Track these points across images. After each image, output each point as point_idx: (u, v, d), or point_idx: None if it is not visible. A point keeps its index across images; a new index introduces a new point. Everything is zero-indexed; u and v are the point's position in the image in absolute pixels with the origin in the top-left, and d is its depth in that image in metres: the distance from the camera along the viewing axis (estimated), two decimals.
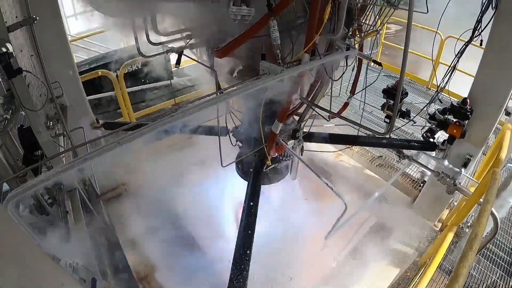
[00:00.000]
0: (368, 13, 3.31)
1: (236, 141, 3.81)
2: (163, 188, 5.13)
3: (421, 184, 5.55)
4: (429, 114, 4.02)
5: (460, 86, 4.66)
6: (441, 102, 4.16)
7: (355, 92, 3.96)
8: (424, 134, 4.17)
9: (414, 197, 5.40)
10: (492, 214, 3.24)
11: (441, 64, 7.82)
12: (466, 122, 3.78)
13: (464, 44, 3.72)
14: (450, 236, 3.83)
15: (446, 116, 3.86)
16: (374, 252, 4.67)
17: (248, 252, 2.89)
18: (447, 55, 7.39)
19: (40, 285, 1.45)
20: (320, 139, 4.17)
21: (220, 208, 5.18)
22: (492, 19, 3.43)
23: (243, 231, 3.05)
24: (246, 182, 3.69)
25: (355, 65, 3.68)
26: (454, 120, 3.80)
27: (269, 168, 3.79)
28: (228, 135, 3.76)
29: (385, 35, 9.83)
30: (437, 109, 3.95)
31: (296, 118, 3.79)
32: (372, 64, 3.63)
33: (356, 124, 3.24)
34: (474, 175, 5.17)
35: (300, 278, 4.40)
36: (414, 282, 4.19)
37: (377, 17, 3.29)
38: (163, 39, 3.20)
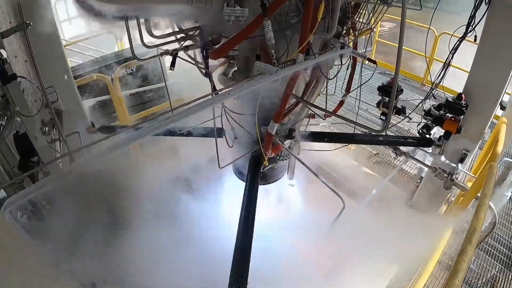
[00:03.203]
0: (361, 11, 3.33)
1: (233, 142, 3.81)
2: (159, 190, 5.11)
3: (419, 180, 5.57)
4: (424, 110, 4.03)
5: (452, 81, 4.69)
6: (435, 98, 4.18)
7: (350, 90, 3.97)
8: (420, 131, 4.19)
9: (412, 193, 5.42)
10: (490, 208, 3.25)
11: (436, 60, 7.87)
12: (462, 117, 3.79)
13: (458, 40, 3.74)
14: (448, 231, 3.84)
15: (442, 112, 3.87)
16: (373, 249, 4.67)
17: (247, 254, 2.89)
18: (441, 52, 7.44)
19: None
20: (317, 138, 4.17)
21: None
22: (485, 14, 3.45)
23: (241, 233, 3.05)
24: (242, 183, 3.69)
25: (350, 63, 3.69)
26: (450, 115, 3.81)
27: (266, 168, 3.79)
28: (224, 137, 3.76)
29: (379, 33, 9.86)
30: (433, 105, 3.96)
31: (292, 117, 3.79)
32: (367, 62, 3.65)
33: (352, 122, 3.25)
34: (471, 170, 5.20)
35: (299, 276, 4.39)
36: (413, 278, 4.20)
37: (371, 15, 3.31)
38: (157, 41, 3.21)
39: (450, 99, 3.79)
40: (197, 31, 3.15)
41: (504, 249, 4.62)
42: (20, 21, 2.78)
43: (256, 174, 3.66)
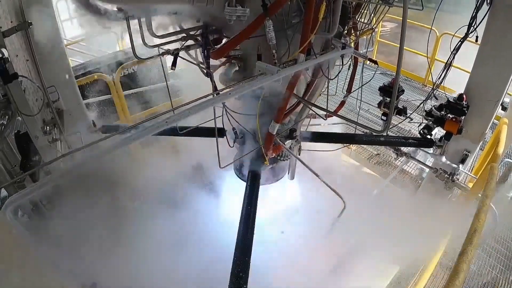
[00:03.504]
0: (363, 11, 3.32)
1: (234, 141, 3.81)
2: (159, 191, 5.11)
3: (420, 181, 5.56)
4: (425, 111, 4.03)
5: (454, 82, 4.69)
6: (437, 99, 4.17)
7: (352, 91, 3.97)
8: (421, 131, 4.18)
9: (413, 194, 5.40)
10: (491, 209, 3.25)
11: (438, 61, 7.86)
12: (463, 118, 3.78)
13: (460, 41, 3.73)
14: (449, 232, 3.84)
15: (443, 112, 3.87)
16: (374, 249, 4.66)
17: (248, 254, 2.88)
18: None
19: None
20: (318, 138, 4.17)
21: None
22: (487, 15, 3.44)
23: (242, 232, 3.05)
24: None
25: (351, 63, 3.69)
26: (451, 116, 3.81)
27: (267, 168, 3.79)
28: (225, 137, 3.76)
29: (381, 33, 9.85)
30: (434, 106, 3.95)
31: (293, 117, 3.79)
32: (368, 62, 3.64)
33: (353, 122, 3.25)
34: (472, 170, 5.19)
35: (298, 276, 4.38)
36: (414, 279, 4.20)
37: (372, 15, 3.30)
38: (158, 41, 3.21)
39: (452, 100, 3.78)
40: (198, 31, 3.15)
41: (505, 250, 4.61)
42: (21, 20, 2.78)
43: (256, 175, 3.66)
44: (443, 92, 4.09)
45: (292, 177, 4.45)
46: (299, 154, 3.94)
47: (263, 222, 4.13)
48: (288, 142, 3.68)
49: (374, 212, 4.92)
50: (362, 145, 6.43)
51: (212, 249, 4.41)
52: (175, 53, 3.19)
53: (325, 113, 3.67)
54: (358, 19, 3.38)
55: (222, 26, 3.03)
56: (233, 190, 4.83)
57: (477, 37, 3.63)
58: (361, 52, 3.65)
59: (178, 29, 3.15)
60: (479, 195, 3.47)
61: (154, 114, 6.36)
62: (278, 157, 3.84)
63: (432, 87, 4.06)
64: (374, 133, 3.58)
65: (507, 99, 4.17)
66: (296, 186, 5.13)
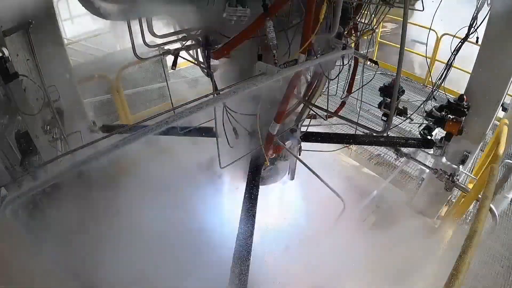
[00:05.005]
0: (363, 11, 3.32)
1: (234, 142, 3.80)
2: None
3: (420, 182, 5.56)
4: (426, 111, 4.02)
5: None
6: (436, 99, 4.17)
7: (352, 91, 3.97)
8: (422, 132, 4.18)
9: (413, 194, 5.40)
10: (491, 210, 3.25)
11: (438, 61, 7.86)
12: (463, 118, 3.78)
13: (460, 41, 3.73)
14: (449, 233, 3.84)
15: (443, 113, 3.86)
16: (373, 250, 4.65)
17: (247, 255, 2.88)
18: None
19: None
20: (318, 139, 4.17)
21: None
22: (488, 15, 3.44)
23: (242, 234, 3.04)
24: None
25: (352, 64, 3.69)
26: (451, 117, 3.80)
27: (267, 169, 3.78)
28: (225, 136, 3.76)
29: (381, 34, 9.85)
30: (434, 106, 3.95)
31: (294, 117, 3.78)
32: (369, 62, 3.64)
33: (353, 123, 3.25)
34: (472, 171, 5.19)
35: (296, 279, 4.36)
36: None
37: (373, 15, 3.30)
38: (159, 41, 3.20)
39: (452, 100, 3.78)
40: (199, 31, 3.15)
41: (505, 252, 4.61)
42: (22, 19, 2.78)
43: (256, 175, 3.65)
44: (443, 92, 4.09)
45: (292, 178, 4.44)
46: (299, 155, 3.93)
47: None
48: (288, 142, 3.67)
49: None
50: (362, 146, 6.43)
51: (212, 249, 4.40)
52: (176, 53, 3.19)
53: (325, 113, 3.67)
54: (359, 20, 3.38)
55: (223, 26, 3.03)
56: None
57: (477, 38, 3.63)
58: (362, 52, 3.65)
59: (178, 28, 3.15)
60: (479, 196, 3.47)
61: (155, 114, 6.36)
62: (279, 157, 3.83)
63: (432, 87, 4.06)
64: (375, 134, 3.58)
65: (507, 100, 4.16)
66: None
